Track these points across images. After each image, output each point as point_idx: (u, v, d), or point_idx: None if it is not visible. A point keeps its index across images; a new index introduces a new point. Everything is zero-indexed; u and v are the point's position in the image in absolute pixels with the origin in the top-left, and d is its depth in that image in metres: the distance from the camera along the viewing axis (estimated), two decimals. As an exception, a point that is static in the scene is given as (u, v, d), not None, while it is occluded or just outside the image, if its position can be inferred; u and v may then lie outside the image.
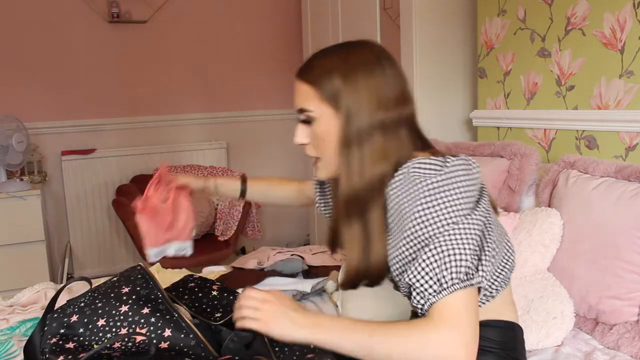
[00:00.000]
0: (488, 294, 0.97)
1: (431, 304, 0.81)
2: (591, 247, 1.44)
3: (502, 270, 0.98)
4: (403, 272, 0.88)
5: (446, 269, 0.81)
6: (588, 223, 1.47)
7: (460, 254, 0.82)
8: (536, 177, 1.77)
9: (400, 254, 0.89)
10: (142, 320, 0.91)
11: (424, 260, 0.83)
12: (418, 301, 0.83)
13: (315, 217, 3.50)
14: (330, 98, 0.94)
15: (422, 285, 0.82)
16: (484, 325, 0.97)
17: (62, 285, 1.19)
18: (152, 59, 3.44)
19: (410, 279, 0.84)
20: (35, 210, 2.83)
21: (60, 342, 0.88)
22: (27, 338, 1.31)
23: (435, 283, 0.81)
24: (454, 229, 0.83)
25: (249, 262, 2.01)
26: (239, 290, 1.18)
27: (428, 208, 0.85)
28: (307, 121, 0.97)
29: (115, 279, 1.02)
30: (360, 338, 0.82)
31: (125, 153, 3.40)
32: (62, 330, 0.91)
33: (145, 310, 0.92)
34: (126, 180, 3.35)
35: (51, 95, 3.24)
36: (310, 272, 1.89)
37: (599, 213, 1.44)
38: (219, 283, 1.19)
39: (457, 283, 0.81)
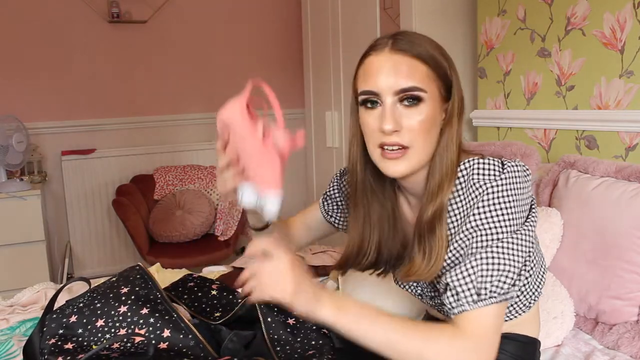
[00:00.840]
0: (519, 309, 0.96)
1: (463, 310, 0.80)
2: (591, 247, 1.44)
3: (539, 284, 0.98)
4: (444, 273, 0.86)
5: (490, 280, 0.79)
6: (588, 223, 1.47)
7: (508, 269, 0.80)
8: (536, 177, 1.77)
9: (447, 257, 0.86)
10: (141, 321, 0.91)
11: (470, 267, 0.81)
12: (450, 302, 0.81)
13: (315, 217, 3.49)
14: (444, 79, 0.89)
15: (460, 288, 0.80)
16: (505, 337, 0.96)
17: (61, 285, 1.19)
18: (152, 59, 3.44)
19: (451, 280, 0.82)
20: (35, 210, 2.83)
21: (59, 343, 0.88)
22: (27, 338, 1.31)
23: (474, 293, 0.79)
24: (508, 239, 0.81)
25: (249, 262, 2.01)
26: (240, 290, 1.18)
27: (485, 213, 0.83)
28: (412, 101, 0.85)
29: (114, 279, 1.02)
30: (385, 332, 0.78)
31: (125, 153, 3.40)
32: (60, 331, 0.91)
33: (144, 311, 0.92)
34: (126, 180, 3.35)
35: (51, 95, 3.24)
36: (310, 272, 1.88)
37: (599, 213, 1.44)
38: (218, 282, 1.19)
39: (495, 297, 0.79)
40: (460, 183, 0.87)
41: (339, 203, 1.15)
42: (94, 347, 0.88)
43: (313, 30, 3.30)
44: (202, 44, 3.55)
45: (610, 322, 1.39)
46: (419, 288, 1.02)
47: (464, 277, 0.80)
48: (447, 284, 0.83)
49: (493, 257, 0.80)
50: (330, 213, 1.17)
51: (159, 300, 0.95)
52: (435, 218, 0.87)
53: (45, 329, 0.92)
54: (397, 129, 0.85)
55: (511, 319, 0.97)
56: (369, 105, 0.88)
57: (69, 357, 0.84)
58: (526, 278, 0.93)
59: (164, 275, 1.81)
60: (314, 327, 0.98)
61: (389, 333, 0.77)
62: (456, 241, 0.85)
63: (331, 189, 1.16)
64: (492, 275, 0.79)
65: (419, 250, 0.89)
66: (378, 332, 0.78)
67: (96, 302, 0.95)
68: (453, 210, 0.88)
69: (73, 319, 0.93)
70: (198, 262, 2.83)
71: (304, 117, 3.68)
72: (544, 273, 1.00)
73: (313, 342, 0.95)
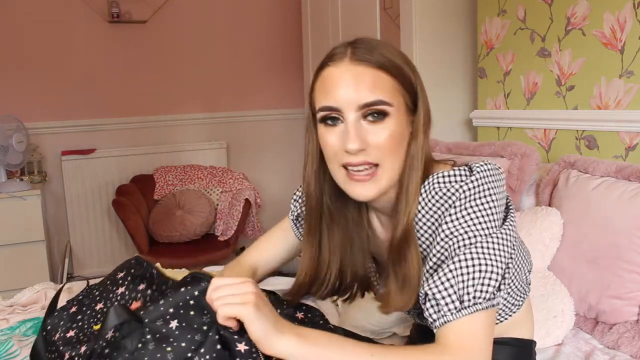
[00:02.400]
0: (508, 310, 0.92)
1: (446, 321, 0.72)
2: (591, 246, 1.44)
3: (526, 281, 0.94)
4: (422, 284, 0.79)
5: (472, 285, 0.72)
6: (588, 223, 1.47)
7: (491, 271, 0.73)
8: (536, 177, 1.77)
9: (427, 270, 0.79)
10: (139, 295, 0.90)
11: (448, 272, 0.73)
12: (430, 315, 0.74)
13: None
14: (410, 90, 0.81)
15: (441, 298, 0.72)
16: (497, 343, 0.86)
17: (60, 287, 1.19)
18: (152, 59, 3.44)
19: (429, 289, 0.74)
20: (35, 210, 2.83)
21: (62, 335, 0.89)
22: (27, 338, 1.32)
23: (456, 300, 0.72)
24: (486, 241, 0.75)
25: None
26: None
27: (458, 219, 0.76)
28: (377, 116, 0.78)
29: (111, 272, 1.03)
30: (358, 358, 0.68)
31: (125, 153, 3.40)
32: (62, 322, 0.91)
33: (142, 286, 0.92)
34: (126, 180, 3.35)
35: (51, 95, 3.24)
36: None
37: (599, 213, 1.44)
38: None
39: (480, 303, 0.72)
40: (423, 199, 0.81)
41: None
42: (94, 327, 0.88)
43: (313, 30, 3.30)
44: (202, 44, 3.55)
45: (610, 321, 1.39)
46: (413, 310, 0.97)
47: (442, 284, 0.73)
48: (426, 294, 0.75)
49: (473, 259, 0.73)
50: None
51: (154, 277, 0.94)
52: (404, 242, 0.81)
53: (49, 328, 0.92)
54: (363, 147, 0.77)
55: (501, 321, 0.93)
56: (329, 122, 0.79)
57: (71, 348, 0.84)
58: (510, 278, 0.88)
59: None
60: (321, 322, 0.98)
61: None
62: (433, 255, 0.78)
63: (299, 208, 1.04)
64: (474, 279, 0.72)
65: (394, 278, 0.82)
66: (349, 358, 0.68)
67: (94, 290, 0.96)
68: (421, 227, 0.82)
69: (73, 309, 0.93)
70: (198, 262, 2.83)
71: (304, 117, 3.68)
72: (529, 270, 0.96)
73: None
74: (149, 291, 0.90)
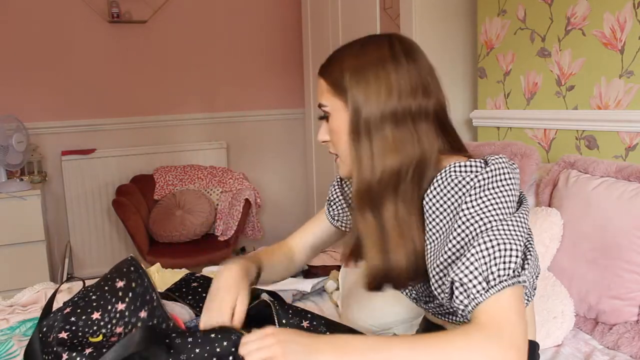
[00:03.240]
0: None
1: (477, 304, 0.75)
2: (591, 247, 1.44)
3: (532, 284, 0.97)
4: (445, 275, 0.82)
5: (495, 265, 0.75)
6: (588, 223, 1.47)
7: (510, 249, 0.76)
8: (536, 177, 1.77)
9: (444, 259, 0.83)
10: (139, 324, 0.91)
11: (471, 257, 0.77)
12: (461, 301, 0.77)
13: (315, 217, 3.50)
14: (340, 91, 0.91)
15: (468, 282, 0.76)
16: None
17: (56, 288, 1.19)
18: (152, 59, 3.44)
19: (454, 276, 0.78)
20: (35, 210, 2.83)
21: (55, 335, 0.88)
22: (27, 338, 1.31)
23: (482, 281, 0.75)
24: (502, 224, 0.79)
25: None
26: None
27: (474, 207, 0.81)
28: (323, 117, 0.96)
29: (107, 274, 1.02)
30: (399, 354, 0.72)
31: (125, 153, 3.40)
32: (55, 323, 0.91)
33: (143, 314, 0.92)
34: (126, 180, 3.35)
35: (51, 95, 3.25)
36: (310, 272, 1.89)
37: (599, 213, 1.44)
38: None
39: (505, 280, 0.75)
40: (439, 185, 0.86)
41: (344, 206, 1.15)
42: (90, 339, 0.87)
43: (313, 30, 3.30)
44: (202, 44, 3.55)
45: (610, 322, 1.39)
46: (414, 292, 1.01)
47: (467, 268, 0.77)
48: (452, 282, 0.79)
49: (491, 241, 0.77)
50: (336, 218, 1.17)
51: (155, 304, 0.94)
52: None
53: (44, 329, 0.92)
54: (325, 139, 0.98)
55: None
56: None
57: (66, 348, 0.84)
58: (532, 260, 0.91)
59: (164, 275, 1.81)
60: (327, 333, 0.98)
61: (405, 355, 0.72)
62: (450, 241, 0.82)
63: (332, 193, 1.17)
64: (495, 258, 0.76)
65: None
66: (393, 358, 0.72)
67: (91, 294, 0.95)
68: (435, 214, 0.86)
69: (67, 310, 0.92)
70: (198, 262, 2.83)
71: (304, 117, 3.68)
72: (537, 275, 0.99)
73: None
74: (150, 323, 0.91)
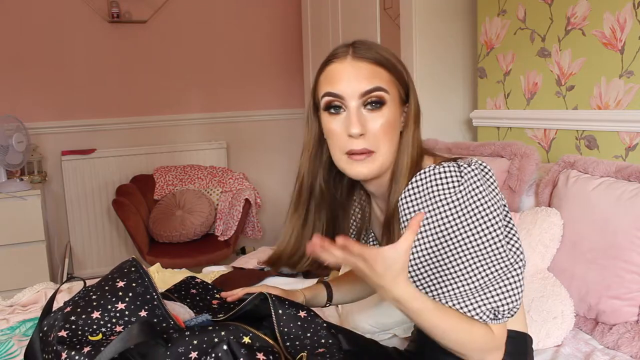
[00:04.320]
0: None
1: (484, 321, 0.87)
2: (591, 247, 1.44)
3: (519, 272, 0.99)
4: (421, 271, 0.89)
5: (505, 301, 0.85)
6: (588, 223, 1.47)
7: (516, 286, 0.86)
8: (536, 177, 1.77)
9: (422, 264, 0.88)
10: (140, 321, 0.91)
11: (479, 289, 0.85)
12: (468, 312, 0.87)
13: (315, 217, 3.49)
14: (402, 83, 0.93)
15: (477, 314, 0.85)
16: None
17: (58, 286, 1.19)
18: (152, 59, 3.44)
19: (466, 307, 0.86)
20: (35, 210, 2.83)
21: (56, 334, 0.88)
22: (27, 338, 1.31)
23: (490, 314, 0.85)
24: (504, 255, 0.85)
25: (249, 262, 2.01)
26: (240, 290, 1.18)
27: (466, 228, 0.85)
28: (375, 105, 0.89)
29: (108, 275, 1.02)
30: (431, 315, 0.84)
31: (125, 153, 3.40)
32: (55, 322, 0.91)
33: (143, 314, 0.92)
34: (126, 180, 3.35)
35: (51, 95, 3.25)
36: (310, 272, 1.89)
37: (599, 213, 1.44)
38: (218, 297, 1.18)
39: (508, 316, 0.86)
40: (417, 191, 0.88)
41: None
42: (89, 337, 0.87)
43: (313, 31, 3.30)
44: (202, 44, 3.55)
45: (610, 322, 1.39)
46: None
47: (480, 307, 0.85)
48: (459, 308, 0.87)
49: (502, 285, 0.85)
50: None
51: (155, 303, 0.95)
52: (392, 217, 0.93)
53: (45, 329, 0.92)
54: (364, 132, 0.88)
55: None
56: (332, 111, 0.90)
57: (65, 346, 0.84)
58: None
59: (164, 275, 1.81)
60: (325, 325, 0.98)
61: (440, 323, 0.85)
62: (428, 247, 0.87)
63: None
64: (506, 298, 0.85)
65: None
66: (431, 320, 0.84)
67: (91, 294, 0.95)
68: (409, 210, 0.89)
69: (67, 309, 0.93)
70: (198, 262, 2.83)
71: (304, 116, 3.68)
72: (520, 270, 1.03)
73: (322, 341, 0.95)
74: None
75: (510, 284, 0.85)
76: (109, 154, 3.36)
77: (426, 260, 0.87)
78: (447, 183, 0.85)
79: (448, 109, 2.51)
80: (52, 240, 3.19)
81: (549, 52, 2.00)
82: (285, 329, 0.95)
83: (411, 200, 0.89)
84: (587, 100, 1.86)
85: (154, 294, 0.95)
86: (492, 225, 0.84)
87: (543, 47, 2.02)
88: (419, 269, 0.89)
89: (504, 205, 0.90)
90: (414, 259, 0.88)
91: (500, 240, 0.85)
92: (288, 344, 0.93)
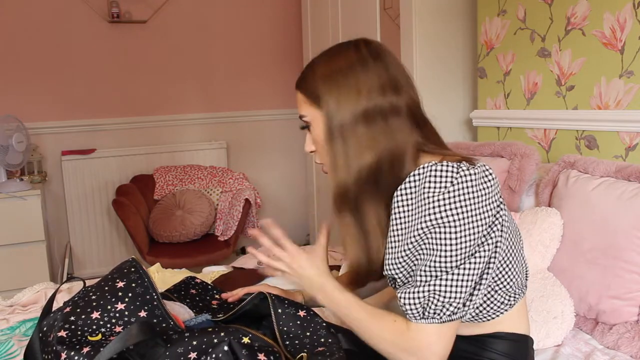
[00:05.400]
0: (498, 309, 0.96)
1: (408, 318, 0.88)
2: (591, 247, 1.44)
3: (520, 283, 0.98)
4: (400, 272, 0.92)
5: (436, 301, 0.85)
6: (588, 223, 1.47)
7: (455, 292, 0.85)
8: (536, 177, 1.77)
9: (403, 259, 0.91)
10: (139, 322, 0.91)
11: (421, 289, 0.86)
12: (401, 307, 0.89)
13: (315, 217, 3.50)
14: (314, 100, 0.96)
15: (408, 304, 0.87)
16: (497, 337, 0.99)
17: (57, 286, 1.19)
18: (152, 59, 3.44)
19: (402, 297, 0.88)
20: (35, 210, 2.83)
21: (55, 334, 0.88)
22: (27, 338, 1.31)
23: (419, 309, 0.86)
24: (461, 261, 0.85)
25: (249, 262, 2.01)
26: (240, 291, 1.18)
27: (438, 218, 0.85)
28: (305, 127, 1.00)
29: (108, 275, 1.02)
30: (350, 315, 0.94)
31: (125, 153, 3.40)
32: (55, 322, 0.91)
33: (142, 314, 0.92)
34: (126, 180, 3.35)
35: (51, 95, 3.25)
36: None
37: (599, 213, 1.44)
38: (218, 297, 1.19)
39: (437, 318, 0.85)
40: (413, 187, 0.89)
41: None
42: (89, 338, 0.88)
43: (313, 30, 3.30)
44: (202, 44, 3.55)
45: (610, 322, 1.39)
46: None
47: (412, 298, 0.87)
48: (398, 296, 0.89)
49: (445, 279, 0.85)
50: None
51: (155, 303, 0.95)
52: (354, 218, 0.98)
53: (45, 329, 0.92)
54: (312, 149, 1.01)
55: (493, 317, 0.97)
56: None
57: (64, 347, 0.84)
58: (506, 280, 0.95)
59: (164, 275, 1.81)
60: (324, 324, 0.98)
61: (361, 321, 0.93)
62: (409, 244, 0.89)
63: None
64: (439, 296, 0.85)
65: None
66: (352, 317, 0.94)
67: (91, 294, 0.95)
68: (403, 209, 0.90)
69: (67, 309, 0.92)
70: (198, 262, 2.83)
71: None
72: (526, 271, 1.02)
73: (322, 340, 0.95)
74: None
75: (453, 286, 0.84)
76: (109, 154, 3.36)
77: (406, 254, 0.90)
78: (439, 182, 0.86)
79: (448, 109, 2.51)
80: (52, 240, 3.19)
81: (549, 52, 2.00)
82: (285, 328, 0.95)
83: (405, 194, 0.90)
84: (587, 100, 1.86)
85: (154, 294, 0.95)
86: (466, 230, 0.85)
87: (543, 47, 2.02)
88: (399, 263, 0.91)
89: (499, 210, 0.89)
90: (399, 251, 0.90)
91: (468, 247, 0.85)
92: (287, 342, 0.93)
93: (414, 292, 0.86)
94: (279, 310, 0.98)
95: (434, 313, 0.85)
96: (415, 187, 0.89)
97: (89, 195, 3.33)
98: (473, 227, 0.85)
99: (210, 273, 1.93)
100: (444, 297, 0.85)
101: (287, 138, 3.81)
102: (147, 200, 3.23)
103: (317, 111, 0.95)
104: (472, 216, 0.85)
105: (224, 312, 1.09)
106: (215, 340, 0.83)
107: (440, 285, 0.85)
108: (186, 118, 3.58)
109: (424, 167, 0.88)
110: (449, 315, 0.85)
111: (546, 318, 1.37)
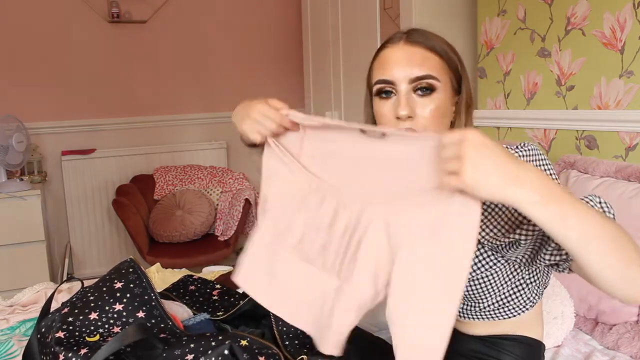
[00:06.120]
0: (522, 306, 0.96)
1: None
2: (591, 247, 1.44)
3: (545, 281, 0.98)
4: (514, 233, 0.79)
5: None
6: (588, 223, 1.46)
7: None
8: (536, 177, 1.77)
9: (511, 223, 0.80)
10: (136, 323, 0.91)
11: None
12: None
13: (315, 217, 3.49)
14: (455, 72, 0.92)
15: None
16: (512, 339, 0.98)
17: (54, 289, 1.19)
18: (152, 59, 3.44)
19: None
20: (35, 210, 2.83)
21: (53, 335, 0.88)
22: (27, 338, 1.31)
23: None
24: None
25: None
26: (239, 290, 1.18)
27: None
28: (425, 90, 0.87)
29: (106, 276, 1.02)
30: (594, 216, 0.67)
31: (125, 153, 3.40)
32: (53, 323, 0.91)
33: (140, 314, 0.92)
34: (126, 180, 3.35)
35: (51, 95, 3.24)
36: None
37: (599, 213, 1.44)
38: (219, 286, 1.19)
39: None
40: None
41: None
42: (87, 338, 0.88)
43: (313, 30, 3.30)
44: (202, 44, 3.55)
45: (610, 322, 1.39)
46: None
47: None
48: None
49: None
50: None
51: (153, 303, 0.94)
52: None
53: (43, 330, 0.92)
54: (412, 115, 0.86)
55: (514, 315, 0.96)
56: (383, 95, 0.90)
57: (62, 348, 0.84)
58: (536, 274, 0.94)
59: (164, 275, 1.81)
60: None
61: (614, 224, 0.69)
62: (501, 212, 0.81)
63: None
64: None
65: None
66: (601, 221, 0.67)
67: (89, 295, 0.95)
68: None
69: (65, 310, 0.92)
70: (198, 262, 2.83)
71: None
72: (549, 272, 1.00)
73: None
74: (148, 324, 0.91)
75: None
76: (109, 154, 3.36)
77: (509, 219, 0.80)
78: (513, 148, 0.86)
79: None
80: (52, 240, 3.19)
81: (549, 52, 2.00)
82: (284, 329, 0.95)
83: None
84: (587, 100, 1.86)
85: (152, 294, 0.95)
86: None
87: (543, 47, 2.02)
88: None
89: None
90: (498, 229, 0.82)
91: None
92: (287, 343, 0.93)
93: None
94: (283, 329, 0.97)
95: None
96: None
97: (89, 195, 3.33)
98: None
99: (210, 273, 1.93)
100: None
101: (287, 138, 3.81)
102: (147, 200, 3.23)
103: (451, 83, 0.91)
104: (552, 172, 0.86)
105: (224, 309, 1.09)
106: (213, 344, 0.83)
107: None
108: (186, 118, 3.58)
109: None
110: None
111: (546, 318, 1.37)
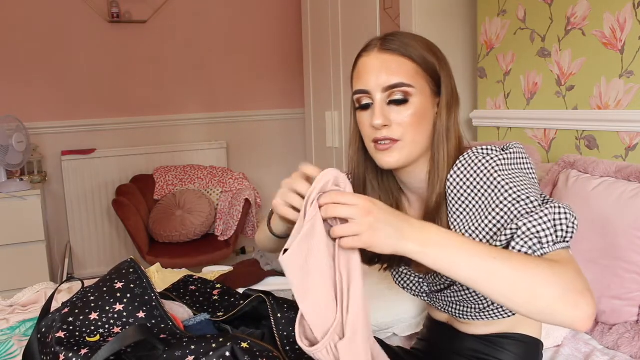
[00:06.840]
0: None
1: (545, 252, 0.77)
2: (591, 247, 1.44)
3: None
4: (496, 233, 0.83)
5: (563, 225, 0.79)
6: (588, 223, 1.47)
7: (567, 217, 0.80)
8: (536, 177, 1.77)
9: (496, 221, 0.84)
10: (136, 324, 0.91)
11: (544, 215, 0.78)
12: (530, 247, 0.76)
13: (315, 217, 3.49)
14: (433, 75, 0.92)
15: (541, 231, 0.77)
16: (511, 338, 0.99)
17: (56, 287, 1.19)
18: (152, 59, 3.44)
19: (524, 226, 0.77)
20: (35, 210, 2.83)
21: (54, 335, 0.88)
22: (27, 338, 1.31)
23: (552, 234, 0.77)
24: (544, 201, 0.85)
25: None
26: (240, 290, 1.18)
27: (507, 190, 0.83)
28: (400, 101, 0.88)
29: (107, 275, 1.02)
30: (481, 259, 0.70)
31: (125, 153, 3.41)
32: (53, 323, 0.91)
33: (141, 315, 0.92)
34: (126, 180, 3.35)
35: (51, 95, 3.25)
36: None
37: (598, 213, 1.44)
38: (219, 286, 1.18)
39: (570, 238, 0.80)
40: (459, 169, 0.89)
41: None
42: (87, 338, 0.87)
43: (313, 30, 3.30)
44: (202, 44, 3.55)
45: (610, 322, 1.39)
46: (417, 285, 1.04)
47: (540, 224, 0.77)
48: (516, 231, 0.79)
49: (556, 209, 0.79)
50: None
51: (154, 304, 0.94)
52: (436, 209, 0.91)
53: (43, 330, 0.91)
54: (387, 123, 0.88)
55: (512, 314, 0.97)
56: (363, 107, 0.92)
57: (62, 348, 0.84)
58: None
59: (164, 275, 1.81)
60: None
61: (488, 262, 0.71)
62: (497, 206, 0.83)
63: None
64: (563, 219, 0.79)
65: None
66: (474, 261, 0.71)
67: (89, 295, 0.95)
68: (456, 194, 0.89)
69: (65, 310, 0.92)
70: (198, 262, 2.84)
71: (304, 117, 3.68)
72: None
73: None
74: (148, 324, 0.90)
75: (567, 215, 0.79)
76: (109, 154, 3.36)
77: (492, 224, 0.84)
78: (493, 158, 0.87)
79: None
80: (52, 240, 3.19)
81: (549, 52, 2.00)
82: (285, 333, 0.95)
83: (459, 180, 0.89)
84: (587, 100, 1.86)
85: (152, 294, 0.95)
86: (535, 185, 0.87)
87: (543, 47, 2.02)
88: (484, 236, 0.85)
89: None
90: (480, 231, 0.85)
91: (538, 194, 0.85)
92: (288, 348, 0.93)
93: (541, 219, 0.78)
94: (279, 315, 0.97)
95: (567, 234, 0.80)
96: (465, 169, 0.88)
97: (89, 195, 3.33)
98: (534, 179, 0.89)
99: (210, 273, 1.93)
100: (567, 217, 0.79)
101: (287, 138, 3.81)
102: (147, 200, 3.23)
103: (429, 88, 0.91)
104: (532, 179, 0.88)
105: (225, 310, 1.09)
106: (214, 346, 0.83)
107: (558, 209, 0.79)
108: (186, 118, 3.58)
109: (468, 153, 0.89)
110: (571, 237, 0.80)
111: (546, 318, 1.37)
